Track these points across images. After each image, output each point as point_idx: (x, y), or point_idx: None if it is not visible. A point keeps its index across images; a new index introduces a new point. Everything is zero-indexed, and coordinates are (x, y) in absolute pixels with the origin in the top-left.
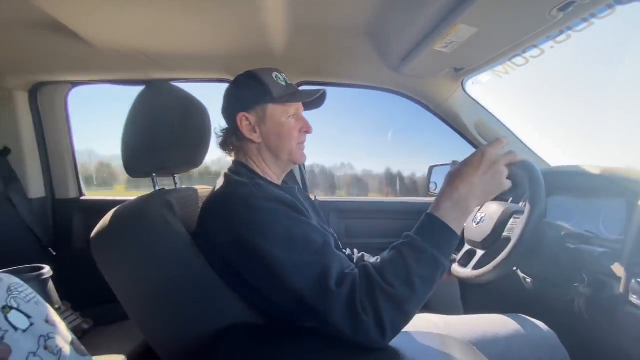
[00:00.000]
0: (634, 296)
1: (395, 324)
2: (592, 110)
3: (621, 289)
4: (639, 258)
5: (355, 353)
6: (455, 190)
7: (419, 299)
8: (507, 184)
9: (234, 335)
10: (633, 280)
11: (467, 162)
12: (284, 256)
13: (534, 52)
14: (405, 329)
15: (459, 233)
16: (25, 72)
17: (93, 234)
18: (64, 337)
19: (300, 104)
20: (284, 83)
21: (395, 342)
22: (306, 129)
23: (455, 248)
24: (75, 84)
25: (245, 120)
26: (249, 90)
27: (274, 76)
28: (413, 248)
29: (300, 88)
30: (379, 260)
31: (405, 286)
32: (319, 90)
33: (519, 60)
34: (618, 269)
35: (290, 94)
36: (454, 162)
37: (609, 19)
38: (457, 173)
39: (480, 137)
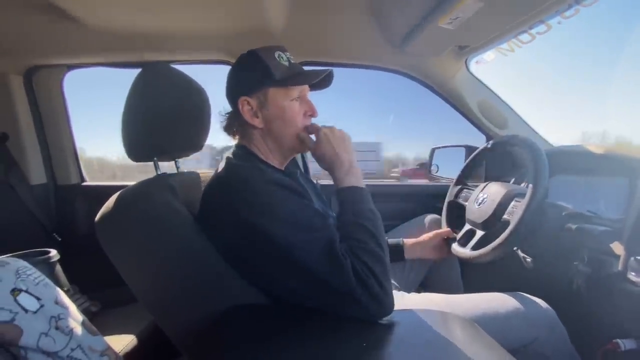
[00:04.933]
0: (632, 273)
1: (384, 276)
2: (595, 90)
3: (620, 267)
4: (639, 236)
5: (359, 329)
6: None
7: (384, 244)
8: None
9: (240, 316)
10: (632, 258)
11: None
12: (290, 237)
13: (541, 28)
14: (407, 307)
15: (356, 183)
16: (18, 56)
17: (97, 217)
18: (74, 317)
19: (305, 85)
20: (287, 63)
21: (398, 319)
22: (311, 113)
23: (455, 224)
24: (70, 67)
25: (246, 105)
26: (249, 72)
27: (276, 55)
28: (349, 221)
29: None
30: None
31: (371, 238)
32: (324, 70)
33: (524, 37)
34: (617, 248)
35: (293, 76)
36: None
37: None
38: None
39: (484, 118)
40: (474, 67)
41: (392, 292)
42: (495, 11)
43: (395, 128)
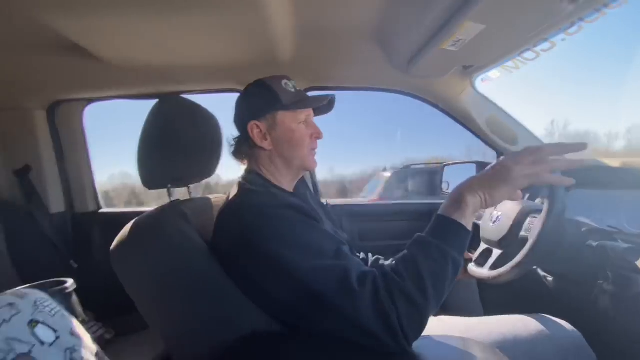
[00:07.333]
0: None
1: (412, 321)
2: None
3: None
4: None
5: (375, 357)
6: (456, 190)
7: (431, 294)
8: (514, 197)
9: (254, 344)
10: None
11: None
12: (303, 262)
13: (545, 45)
14: (425, 332)
15: (465, 225)
16: (43, 92)
17: (113, 245)
18: (89, 349)
19: (310, 110)
20: (293, 90)
21: (415, 346)
22: (317, 135)
23: (469, 244)
24: (90, 100)
25: (256, 128)
26: (259, 99)
27: (283, 84)
28: (419, 244)
29: (309, 94)
30: (394, 261)
31: (415, 280)
32: (328, 96)
33: (529, 54)
34: None
35: (300, 101)
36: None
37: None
38: (471, 178)
39: (493, 135)
40: (480, 85)
41: (414, 339)
42: (498, 33)
43: (404, 145)
